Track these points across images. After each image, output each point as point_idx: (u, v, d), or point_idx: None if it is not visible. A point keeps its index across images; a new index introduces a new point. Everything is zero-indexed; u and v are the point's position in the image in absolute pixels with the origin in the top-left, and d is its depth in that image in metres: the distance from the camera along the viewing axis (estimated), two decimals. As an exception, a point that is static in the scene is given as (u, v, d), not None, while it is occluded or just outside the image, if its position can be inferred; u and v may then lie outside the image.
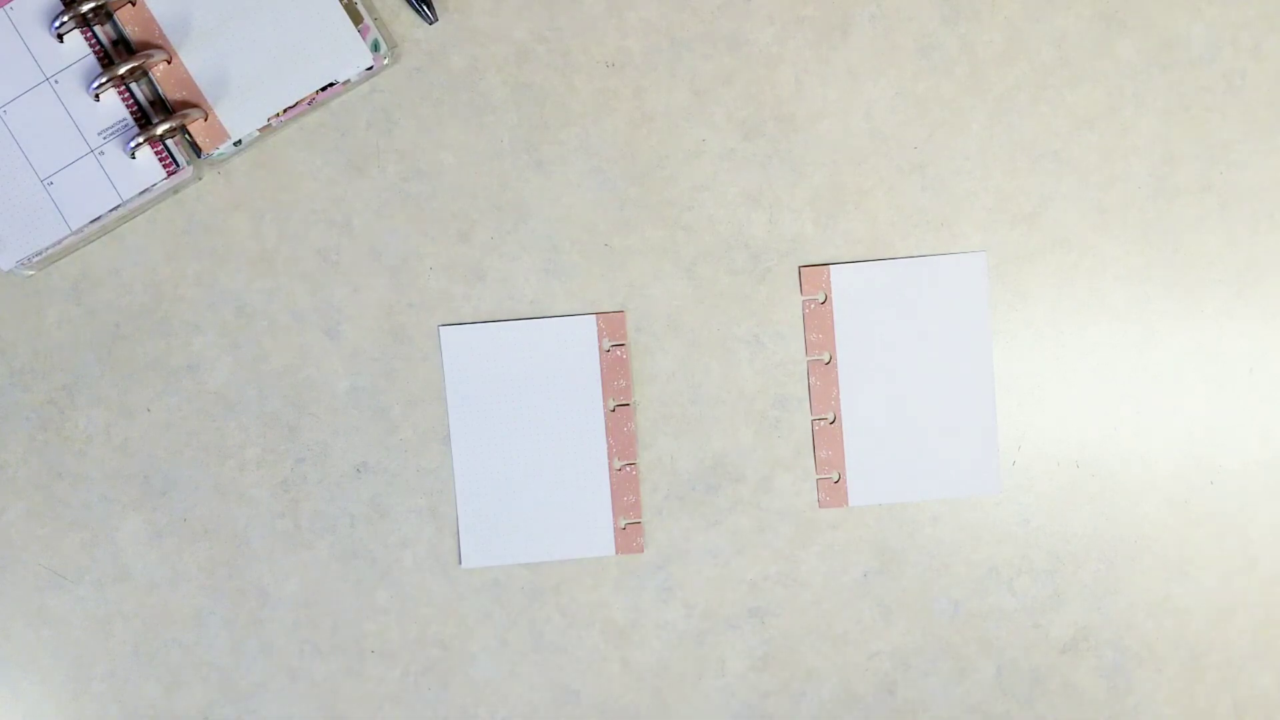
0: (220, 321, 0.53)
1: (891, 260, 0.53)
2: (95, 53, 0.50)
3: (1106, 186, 0.53)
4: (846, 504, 0.53)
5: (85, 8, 0.49)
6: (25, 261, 0.51)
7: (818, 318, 0.53)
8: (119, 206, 0.51)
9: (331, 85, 0.51)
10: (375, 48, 0.51)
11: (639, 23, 0.53)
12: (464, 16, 0.53)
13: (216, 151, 0.51)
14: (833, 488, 0.53)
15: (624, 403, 0.53)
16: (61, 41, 0.50)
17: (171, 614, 0.50)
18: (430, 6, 0.52)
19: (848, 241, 0.53)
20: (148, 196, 0.51)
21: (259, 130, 0.51)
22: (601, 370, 0.53)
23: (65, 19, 0.49)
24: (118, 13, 0.51)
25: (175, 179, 0.51)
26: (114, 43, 0.51)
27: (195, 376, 0.53)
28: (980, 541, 0.53)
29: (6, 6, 0.50)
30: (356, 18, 0.51)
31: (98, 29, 0.50)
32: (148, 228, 0.53)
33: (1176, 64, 0.52)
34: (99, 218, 0.51)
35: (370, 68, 0.51)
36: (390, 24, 0.53)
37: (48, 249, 0.51)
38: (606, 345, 0.53)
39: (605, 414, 0.53)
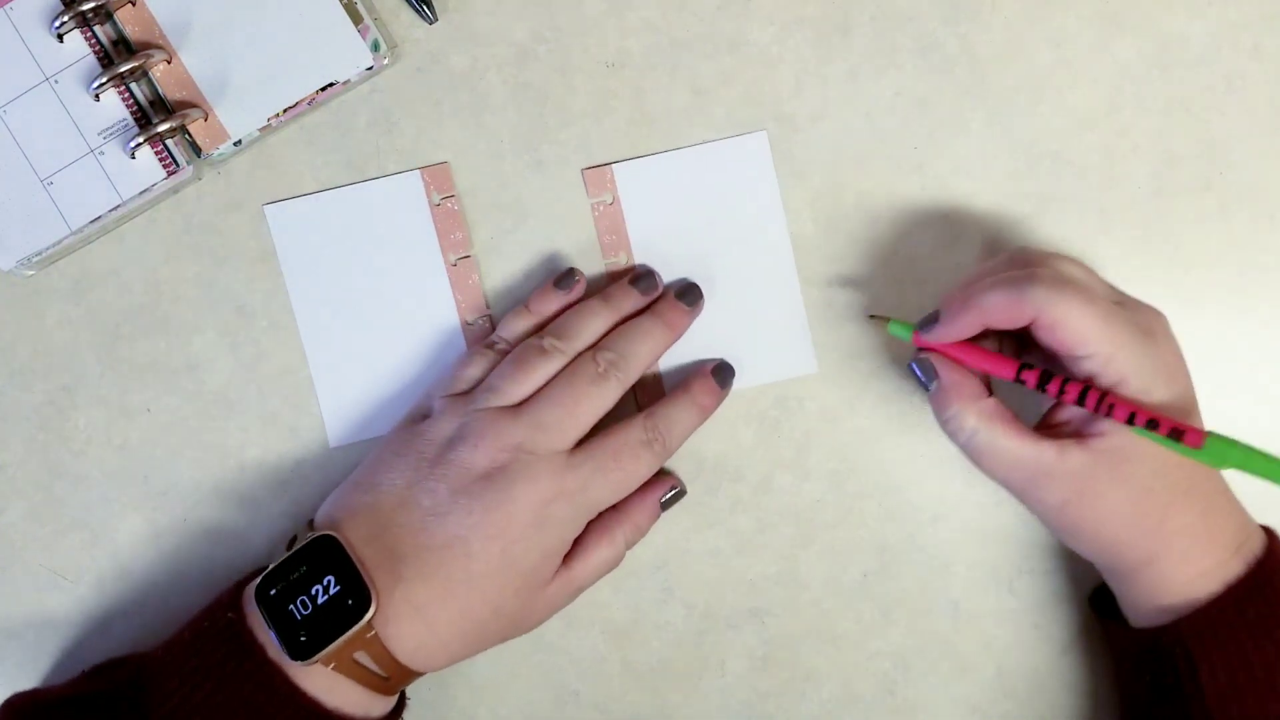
0: (220, 321, 0.53)
1: (675, 151, 0.52)
2: (95, 53, 0.50)
3: (1106, 186, 0.53)
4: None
5: (85, 8, 0.49)
6: (25, 261, 0.51)
7: (608, 219, 0.52)
8: (119, 206, 0.51)
9: (331, 85, 0.51)
10: (375, 48, 0.51)
11: (639, 23, 0.53)
12: (464, 16, 0.53)
13: (216, 151, 0.51)
14: (653, 386, 0.53)
15: (464, 255, 0.52)
16: (61, 41, 0.50)
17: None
18: (430, 6, 0.52)
19: (848, 241, 0.53)
20: (148, 196, 0.51)
21: (259, 130, 0.51)
22: (435, 225, 0.52)
23: (65, 19, 0.49)
24: (118, 13, 0.51)
25: (175, 179, 0.51)
26: (114, 43, 0.51)
27: (195, 376, 0.53)
28: (980, 541, 0.53)
29: (6, 7, 0.50)
30: (356, 18, 0.51)
31: (98, 29, 0.50)
32: (148, 228, 0.53)
33: (1176, 64, 0.52)
34: (99, 218, 0.51)
35: (370, 68, 0.51)
36: (390, 24, 0.53)
37: (48, 249, 0.51)
38: (435, 199, 0.52)
39: (448, 269, 0.52)
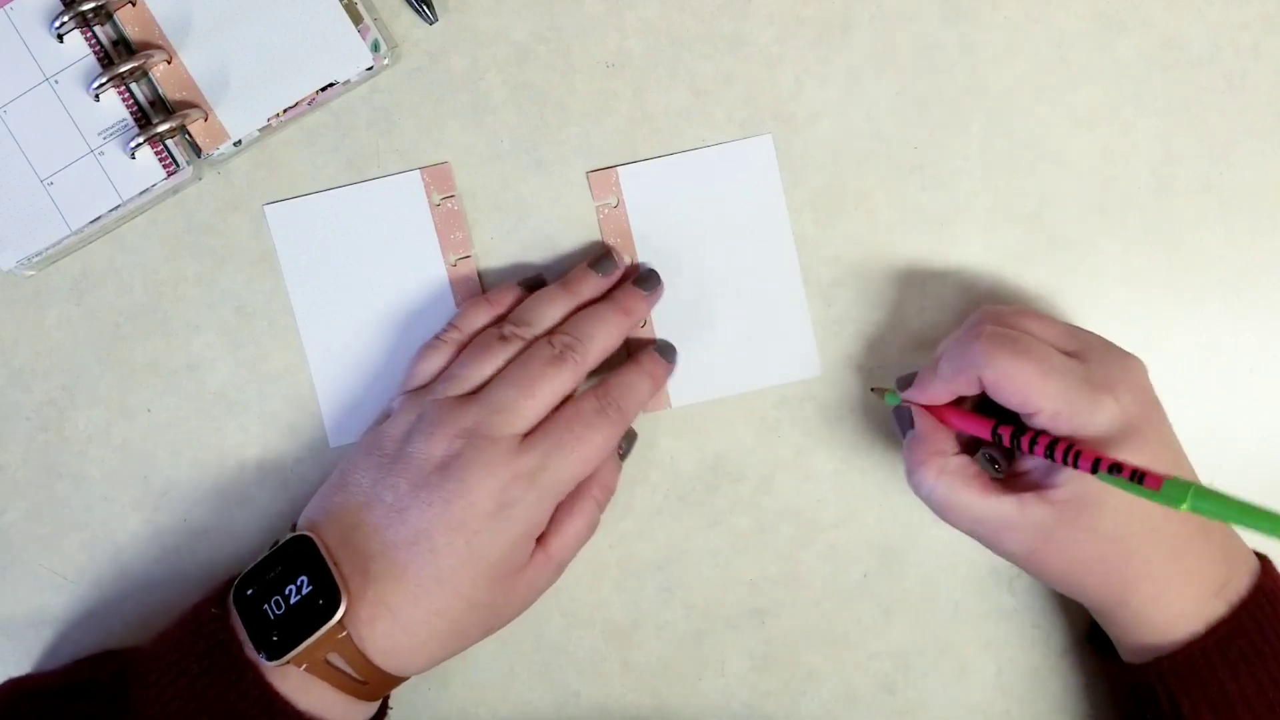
0: (220, 321, 0.53)
1: (680, 154, 0.52)
2: (95, 53, 0.50)
3: (1106, 186, 0.53)
4: (669, 405, 0.53)
5: (85, 8, 0.49)
6: (25, 261, 0.51)
7: (613, 221, 0.52)
8: (119, 206, 0.51)
9: (331, 85, 0.51)
10: (375, 48, 0.51)
11: (639, 23, 0.53)
12: (464, 16, 0.53)
13: (216, 151, 0.51)
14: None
15: (464, 255, 0.52)
16: (61, 41, 0.50)
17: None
18: (430, 6, 0.52)
19: (848, 242, 0.53)
20: (148, 196, 0.51)
21: (259, 130, 0.51)
22: (435, 225, 0.52)
23: (65, 19, 0.49)
24: (118, 13, 0.51)
25: (175, 179, 0.51)
26: (114, 43, 0.51)
27: (195, 376, 0.53)
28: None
29: (6, 7, 0.50)
30: (356, 18, 0.51)
31: (98, 29, 0.50)
32: (148, 228, 0.53)
33: (1176, 64, 0.52)
34: (99, 218, 0.51)
35: (370, 68, 0.51)
36: (390, 24, 0.53)
37: (48, 249, 0.51)
38: (435, 199, 0.52)
39: (448, 269, 0.52)
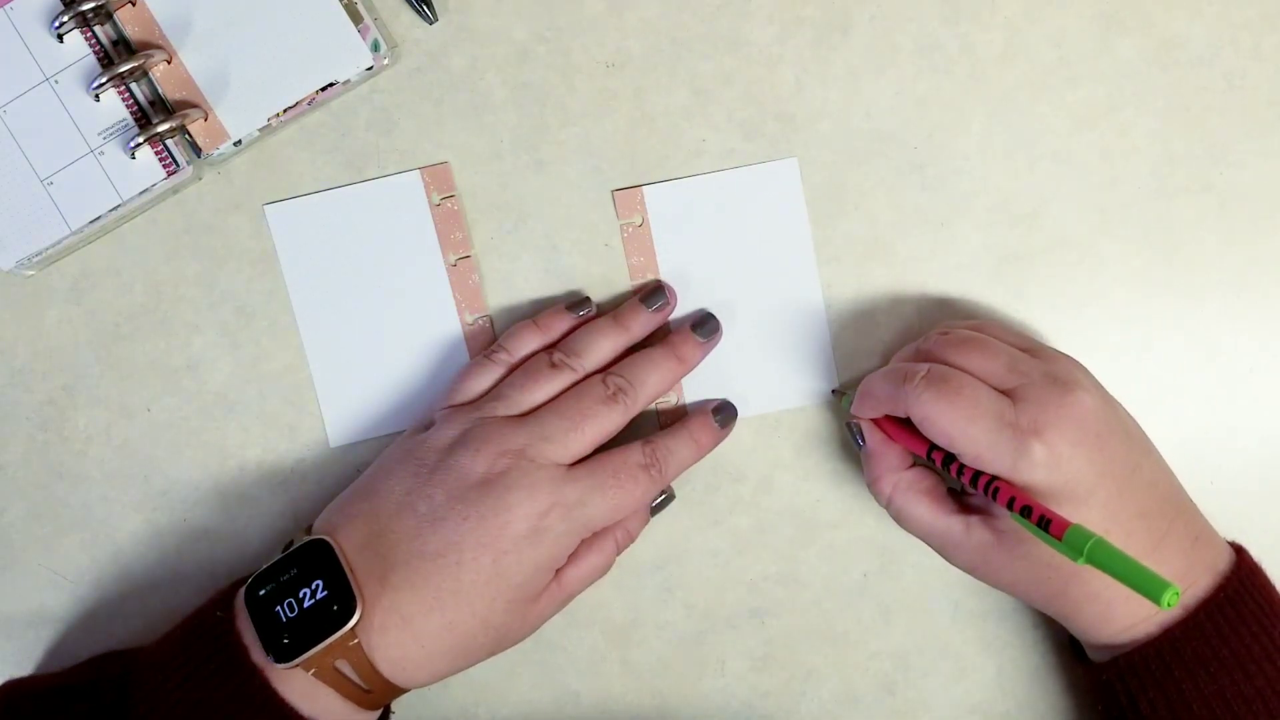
0: (220, 321, 0.53)
1: (705, 175, 0.52)
2: (95, 53, 0.50)
3: (1106, 186, 0.53)
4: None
5: (85, 8, 0.49)
6: (25, 261, 0.51)
7: (637, 241, 0.52)
8: (119, 206, 0.51)
9: (331, 85, 0.51)
10: (375, 48, 0.51)
11: (639, 23, 0.53)
12: (464, 16, 0.53)
13: (216, 151, 0.51)
14: (676, 413, 0.53)
15: (464, 255, 0.52)
16: (61, 41, 0.50)
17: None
18: (430, 6, 0.52)
19: (847, 241, 0.53)
20: (148, 196, 0.51)
21: (259, 130, 0.51)
22: (435, 225, 0.52)
23: (65, 19, 0.49)
24: (118, 13, 0.51)
25: (175, 179, 0.51)
26: (114, 43, 0.51)
27: (195, 376, 0.53)
28: (980, 541, 0.53)
29: (6, 6, 0.50)
30: (356, 18, 0.51)
31: (98, 29, 0.51)
32: (148, 228, 0.53)
33: (1176, 64, 0.52)
34: (99, 218, 0.51)
35: (370, 68, 0.51)
36: (390, 24, 0.53)
37: (48, 249, 0.51)
38: (435, 199, 0.52)
39: (448, 269, 0.52)
